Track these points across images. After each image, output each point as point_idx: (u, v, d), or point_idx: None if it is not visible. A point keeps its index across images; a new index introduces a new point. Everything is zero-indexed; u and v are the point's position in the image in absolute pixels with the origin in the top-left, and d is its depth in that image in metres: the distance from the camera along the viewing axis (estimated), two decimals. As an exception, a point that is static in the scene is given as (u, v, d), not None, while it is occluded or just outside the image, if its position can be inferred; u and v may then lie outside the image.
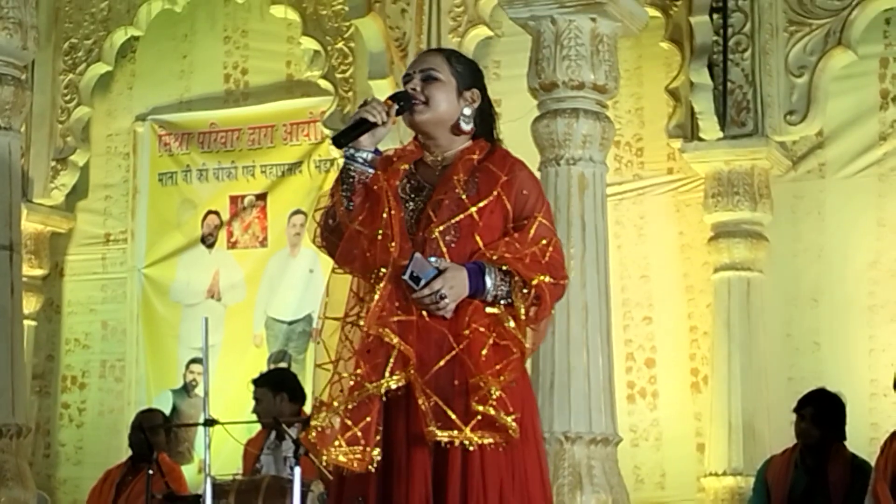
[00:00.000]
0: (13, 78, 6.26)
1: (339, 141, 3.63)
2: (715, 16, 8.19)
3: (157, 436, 7.57)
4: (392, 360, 3.51)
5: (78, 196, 10.14)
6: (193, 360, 9.57)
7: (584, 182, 6.25)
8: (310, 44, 9.31)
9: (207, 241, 9.82)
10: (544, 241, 3.61)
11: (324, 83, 9.26)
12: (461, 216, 3.60)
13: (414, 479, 3.52)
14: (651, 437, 8.55)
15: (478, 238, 3.59)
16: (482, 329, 3.54)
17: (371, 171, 3.61)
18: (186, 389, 9.68)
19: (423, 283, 3.48)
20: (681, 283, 8.65)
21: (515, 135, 8.61)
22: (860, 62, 8.16)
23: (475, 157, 3.67)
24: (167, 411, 9.06)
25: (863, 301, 8.21)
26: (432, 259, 3.52)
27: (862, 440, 7.40)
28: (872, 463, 6.67)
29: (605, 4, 6.19)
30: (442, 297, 3.48)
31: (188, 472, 8.50)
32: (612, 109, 6.89)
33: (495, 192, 3.62)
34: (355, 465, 3.51)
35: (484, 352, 3.52)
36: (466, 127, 3.70)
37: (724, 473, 7.92)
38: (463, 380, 3.51)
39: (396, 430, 3.56)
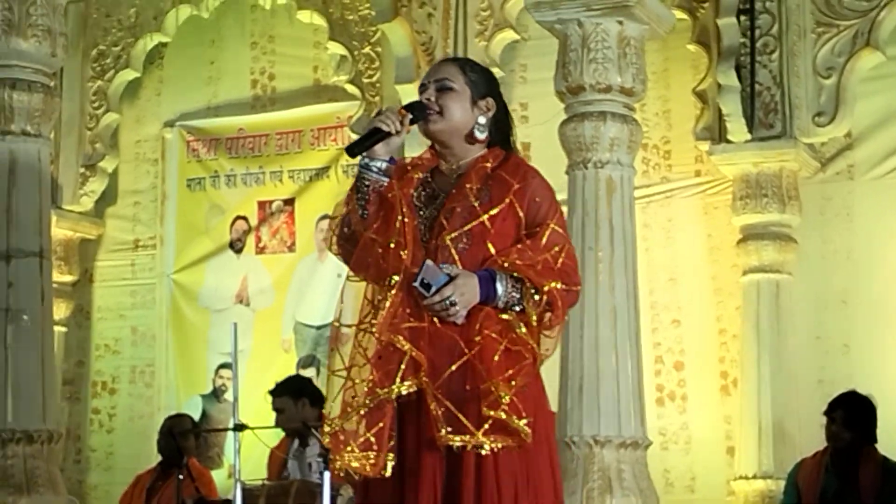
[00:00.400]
0: (42, 85, 6.29)
1: (352, 150, 3.67)
2: (742, 17, 8.18)
3: (187, 441, 7.59)
4: (403, 367, 3.54)
5: (107, 202, 10.19)
6: (222, 366, 9.60)
7: (612, 185, 6.24)
8: (336, 49, 9.33)
9: (236, 246, 9.85)
10: (557, 248, 3.63)
11: (351, 88, 9.28)
12: (473, 224, 3.62)
13: (423, 484, 3.54)
14: (681, 440, 8.53)
15: (490, 245, 3.61)
16: (494, 335, 3.55)
17: (386, 179, 3.63)
18: (216, 394, 9.71)
19: (433, 290, 3.51)
20: (709, 285, 8.63)
21: (543, 138, 8.72)
22: (888, 63, 8.13)
23: (488, 165, 3.70)
24: (196, 416, 9.09)
25: (893, 302, 8.17)
26: (444, 266, 3.55)
27: (894, 443, 7.35)
28: (904, 465, 6.65)
29: (631, 7, 6.18)
30: (452, 304, 3.51)
31: (218, 476, 8.52)
32: (639, 112, 6.87)
33: (507, 200, 3.64)
34: (368, 469, 3.54)
35: (496, 357, 3.53)
36: (481, 136, 3.72)
37: (755, 477, 7.90)
38: (475, 385, 3.53)
39: (408, 435, 3.59)
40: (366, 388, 3.56)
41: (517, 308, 3.58)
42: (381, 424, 3.55)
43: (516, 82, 9.27)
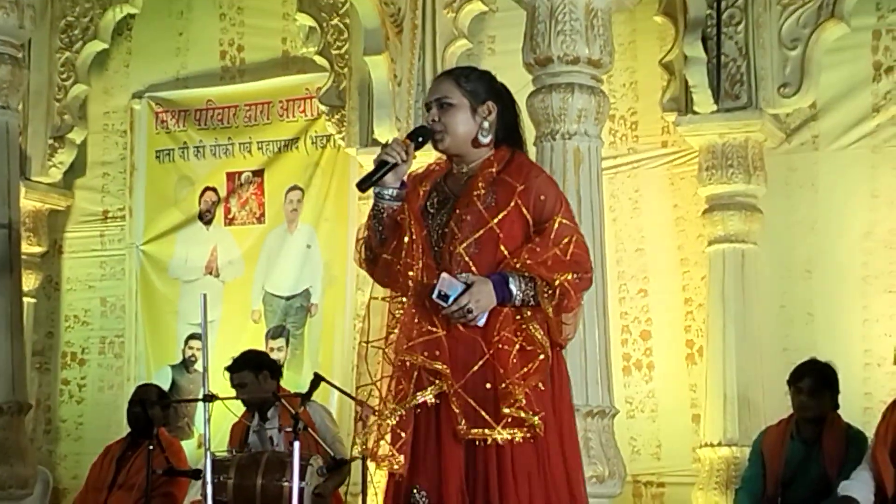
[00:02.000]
0: (10, 57, 6.29)
1: (361, 186, 3.95)
2: (709, -11, 8.21)
3: (156, 411, 7.62)
4: (415, 379, 3.84)
5: (76, 174, 10.18)
6: (192, 336, 9.62)
7: (580, 156, 6.27)
8: (305, 20, 9.33)
9: (205, 217, 9.86)
10: (566, 240, 3.88)
11: (319, 59, 9.28)
12: (482, 231, 3.86)
13: (449, 475, 3.83)
14: (647, 408, 8.61)
15: (502, 247, 3.85)
16: (510, 335, 3.82)
17: (398, 204, 3.93)
18: (185, 365, 9.73)
19: (451, 300, 3.75)
20: (675, 255, 8.69)
21: (510, 110, 8.73)
22: (853, 34, 8.18)
23: (494, 169, 3.94)
24: (166, 387, 9.11)
25: (856, 272, 8.25)
26: (460, 276, 3.78)
27: (856, 410, 7.45)
28: (867, 433, 6.72)
29: (598, -21, 6.22)
30: (469, 311, 3.76)
31: (188, 447, 8.56)
32: (606, 84, 6.90)
33: (513, 203, 3.87)
34: (395, 467, 3.87)
35: (512, 359, 3.81)
36: (485, 139, 3.97)
37: (720, 444, 7.98)
38: (494, 384, 3.81)
39: (429, 432, 3.87)
40: (387, 401, 3.87)
41: (532, 303, 3.83)
42: (406, 431, 3.86)
43: (484, 54, 9.30)
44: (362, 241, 4.00)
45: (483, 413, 3.79)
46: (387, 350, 3.90)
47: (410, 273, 3.86)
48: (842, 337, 8.14)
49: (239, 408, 7.27)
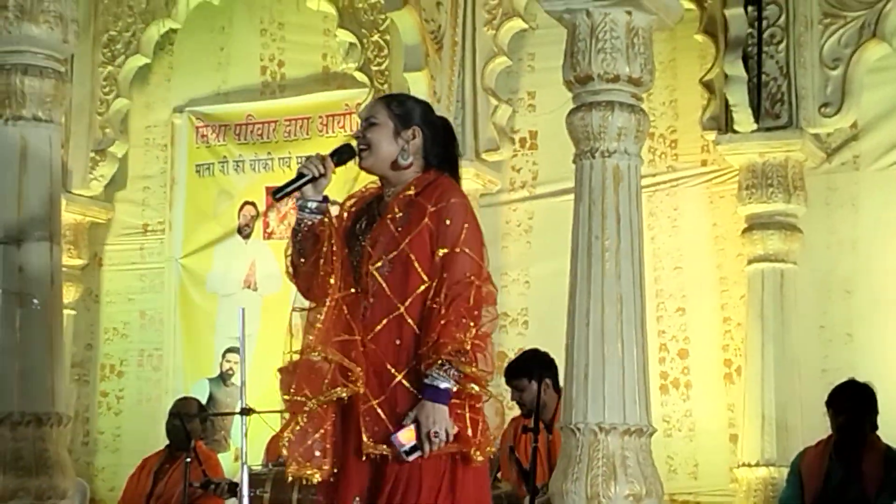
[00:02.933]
0: (54, 71, 6.31)
1: (276, 194, 4.05)
2: (749, 8, 8.20)
3: (194, 424, 7.65)
4: (329, 376, 3.89)
5: (116, 187, 10.25)
6: (230, 350, 9.66)
7: (619, 174, 6.24)
8: (346, 36, 9.37)
9: (244, 231, 9.90)
10: (469, 276, 3.90)
11: (359, 75, 9.32)
12: (394, 252, 3.92)
13: (348, 488, 3.90)
14: (684, 427, 8.59)
15: (417, 266, 3.90)
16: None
17: (318, 216, 4.00)
18: (223, 378, 9.76)
19: (415, 447, 3.81)
20: (714, 274, 8.68)
21: (550, 127, 8.77)
22: (895, 54, 8.15)
23: (411, 192, 4.01)
24: (204, 400, 9.14)
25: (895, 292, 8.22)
26: (405, 421, 3.84)
27: (894, 432, 7.40)
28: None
29: (640, -3, 6.21)
30: (436, 435, 3.82)
31: (224, 460, 8.59)
32: (646, 102, 6.89)
33: (424, 222, 3.93)
34: (313, 475, 3.92)
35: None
36: (404, 162, 4.05)
37: (757, 464, 7.95)
38: (404, 409, 3.89)
39: (347, 441, 3.93)
40: (296, 401, 3.94)
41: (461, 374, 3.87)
42: (320, 431, 3.91)
43: (524, 71, 9.32)
44: (289, 254, 4.08)
45: (389, 427, 3.85)
46: (301, 355, 3.97)
47: (332, 280, 3.92)
48: (881, 357, 8.10)
49: (277, 422, 7.27)
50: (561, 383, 6.52)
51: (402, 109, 4.10)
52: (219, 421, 9.30)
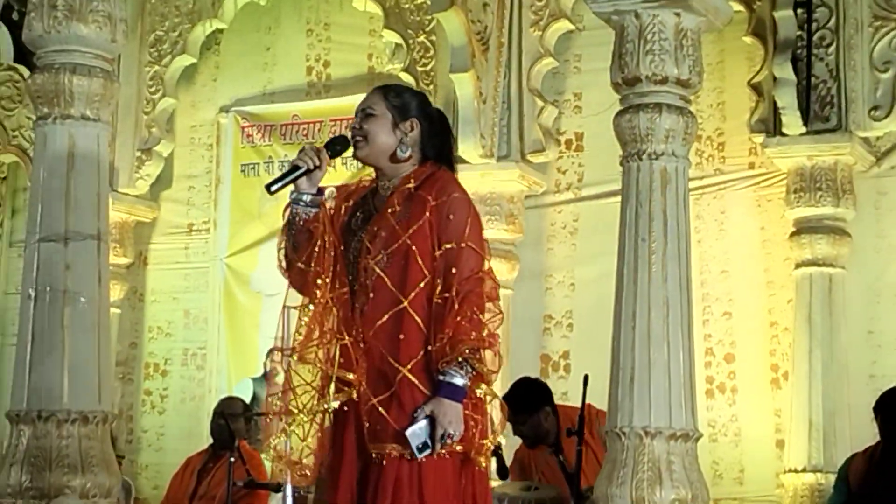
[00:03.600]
0: (102, 70, 6.32)
1: (270, 187, 3.98)
2: (799, 10, 8.15)
3: (239, 423, 7.65)
4: (321, 387, 3.89)
5: (162, 186, 10.28)
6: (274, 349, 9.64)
7: (667, 177, 6.21)
8: (392, 37, 9.37)
9: (289, 231, 9.90)
10: (476, 271, 3.87)
11: (405, 76, 9.31)
12: (395, 245, 3.87)
13: (341, 487, 3.88)
14: (730, 432, 8.53)
15: (419, 260, 3.85)
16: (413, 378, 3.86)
17: (314, 210, 3.95)
18: (266, 378, 9.75)
19: (428, 443, 3.78)
20: (761, 278, 8.61)
21: (596, 128, 8.73)
22: (947, 57, 8.08)
23: (411, 185, 3.95)
24: (247, 399, 9.14)
25: (946, 298, 8.14)
26: (416, 415, 3.80)
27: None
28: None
29: (689, -1, 6.17)
30: (451, 436, 3.79)
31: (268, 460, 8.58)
32: (693, 104, 6.86)
33: (426, 216, 3.88)
34: (302, 478, 3.93)
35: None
36: (403, 155, 3.99)
37: (804, 470, 7.89)
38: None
39: (336, 443, 3.91)
40: (295, 406, 3.92)
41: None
42: (311, 438, 3.90)
43: (570, 72, 9.28)
44: (281, 248, 4.04)
45: (395, 425, 3.82)
46: (294, 358, 3.93)
47: (319, 281, 3.88)
48: (931, 364, 8.02)
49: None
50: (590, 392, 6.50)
51: (400, 101, 4.05)
52: (262, 421, 9.29)
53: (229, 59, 10.25)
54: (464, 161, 8.95)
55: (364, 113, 4.03)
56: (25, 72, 9.40)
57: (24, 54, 9.30)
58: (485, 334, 3.85)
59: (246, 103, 10.14)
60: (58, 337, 6.09)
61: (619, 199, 6.38)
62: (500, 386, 8.65)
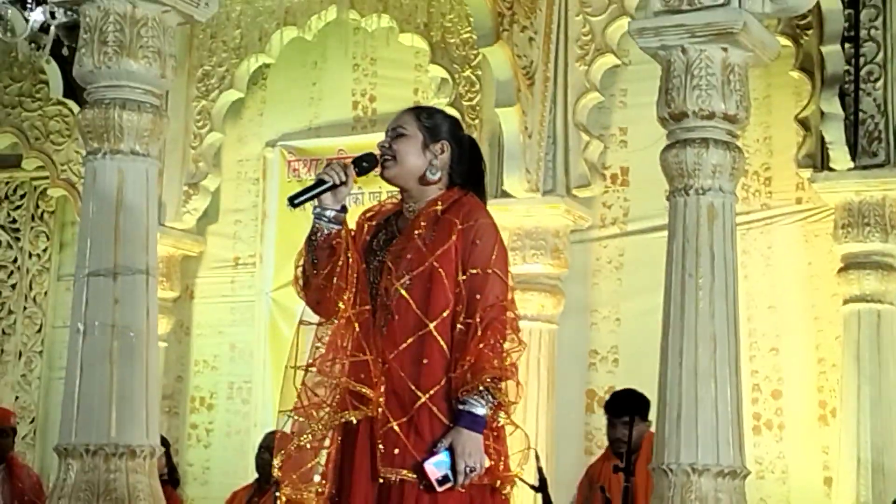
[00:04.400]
0: (151, 105, 6.36)
1: (293, 200, 3.85)
2: (846, 45, 8.13)
3: (284, 458, 7.64)
4: (337, 403, 3.79)
5: (209, 220, 10.33)
6: (319, 384, 9.65)
7: (714, 212, 6.18)
8: (437, 71, 9.40)
9: (334, 265, 9.92)
10: (501, 299, 3.81)
11: (450, 111, 9.31)
12: (421, 268, 3.81)
13: None
14: (777, 469, 8.46)
15: (446, 282, 3.79)
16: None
17: (336, 227, 3.84)
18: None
19: (450, 475, 3.70)
20: (809, 314, 8.56)
21: (642, 163, 8.72)
22: None
23: (438, 208, 3.89)
24: (293, 433, 9.15)
25: None
26: (438, 447, 3.73)
27: None
28: None
29: (736, 34, 6.14)
30: (474, 469, 3.71)
31: (313, 494, 8.57)
32: (740, 139, 6.84)
33: (452, 239, 3.82)
34: (305, 497, 3.83)
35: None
36: (432, 177, 3.92)
37: (852, 508, 7.82)
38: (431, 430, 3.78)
39: (353, 463, 3.80)
40: (300, 423, 3.83)
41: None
42: (322, 456, 3.82)
43: (616, 107, 9.28)
44: (300, 265, 3.94)
45: (413, 452, 3.74)
46: (309, 373, 3.84)
47: (343, 297, 3.79)
48: (981, 401, 7.94)
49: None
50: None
51: (432, 122, 3.98)
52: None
53: (276, 93, 10.31)
54: (509, 195, 8.97)
55: (395, 132, 3.97)
56: (75, 107, 9.50)
57: (73, 89, 9.41)
58: (507, 364, 3.78)
59: (292, 138, 10.19)
60: (106, 371, 6.11)
61: (664, 233, 6.36)
62: (538, 421, 8.66)
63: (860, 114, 8.08)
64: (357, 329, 3.79)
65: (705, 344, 6.03)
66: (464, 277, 3.81)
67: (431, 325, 3.78)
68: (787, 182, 8.71)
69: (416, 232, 3.86)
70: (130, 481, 6.06)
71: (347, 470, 3.82)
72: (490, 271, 3.81)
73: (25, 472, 8.29)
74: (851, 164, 8.09)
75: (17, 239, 10.87)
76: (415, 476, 3.73)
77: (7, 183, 10.95)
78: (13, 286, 10.83)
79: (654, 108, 6.36)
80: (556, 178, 9.05)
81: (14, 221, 10.91)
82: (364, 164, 3.92)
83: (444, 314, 3.79)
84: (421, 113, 4.02)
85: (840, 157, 8.08)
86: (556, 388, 8.87)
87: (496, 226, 3.92)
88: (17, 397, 10.53)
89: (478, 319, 3.76)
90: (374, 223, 4.01)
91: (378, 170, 3.95)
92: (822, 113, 8.13)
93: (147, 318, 6.28)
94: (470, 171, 3.99)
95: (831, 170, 8.17)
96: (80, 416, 6.11)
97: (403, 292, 3.81)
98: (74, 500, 6.04)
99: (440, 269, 3.80)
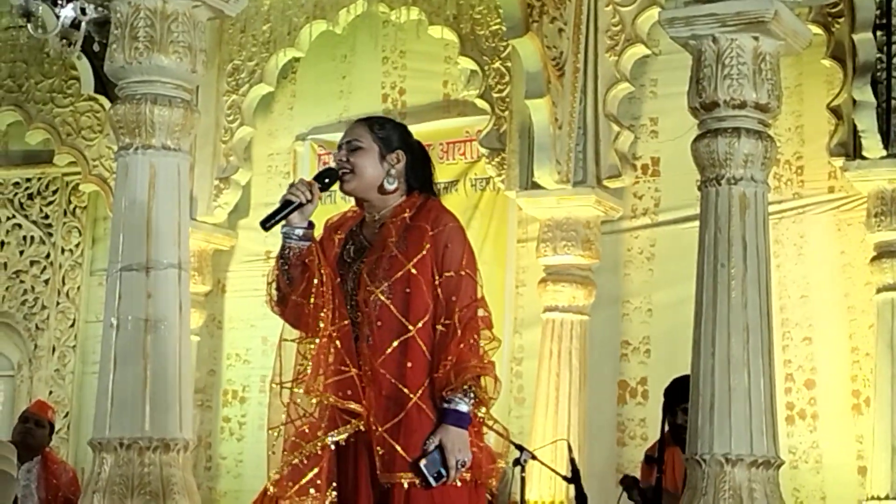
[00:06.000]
0: (182, 100, 6.38)
1: (265, 224, 4.02)
2: (878, 33, 8.08)
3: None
4: (326, 420, 3.89)
5: (240, 214, 10.34)
6: (350, 375, 9.67)
7: (746, 202, 6.16)
8: (467, 63, 9.39)
9: (365, 258, 9.93)
10: (474, 299, 3.94)
11: (480, 102, 9.32)
12: (399, 273, 3.91)
13: None
14: (811, 459, 8.43)
15: (424, 287, 3.90)
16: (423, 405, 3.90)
17: (306, 243, 3.98)
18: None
19: (442, 471, 3.82)
20: (842, 303, 8.52)
21: (673, 153, 8.70)
22: None
23: (406, 215, 3.99)
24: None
25: None
26: (426, 446, 3.84)
27: None
28: None
29: (768, 23, 6.11)
30: (464, 464, 3.84)
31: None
32: (772, 127, 6.81)
33: (427, 246, 3.92)
34: None
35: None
36: (390, 187, 4.03)
37: (887, 497, 7.79)
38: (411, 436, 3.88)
39: (348, 474, 3.92)
40: (293, 441, 3.91)
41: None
42: (316, 469, 3.89)
43: (646, 97, 9.25)
44: (273, 283, 4.04)
45: (407, 454, 3.85)
46: (296, 390, 3.93)
47: (321, 314, 3.89)
48: None
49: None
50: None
51: (385, 132, 4.08)
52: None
53: (306, 87, 10.32)
54: (540, 187, 8.96)
55: (350, 146, 4.06)
56: (106, 102, 9.53)
57: (104, 85, 9.44)
58: (486, 361, 3.91)
59: (322, 131, 10.20)
60: (139, 365, 6.14)
61: (695, 223, 6.34)
62: (570, 412, 8.65)
63: (892, 102, 8.02)
64: (339, 345, 3.90)
65: (738, 334, 6.02)
66: (439, 280, 3.93)
67: (414, 330, 3.90)
68: (819, 171, 8.66)
69: (390, 240, 3.96)
70: (164, 474, 6.09)
71: (348, 479, 3.93)
72: (463, 273, 3.94)
73: (62, 467, 8.32)
74: (884, 153, 8.04)
75: (50, 234, 10.92)
76: (410, 475, 3.85)
77: (39, 179, 10.99)
78: (46, 281, 10.88)
79: (685, 97, 6.34)
80: (586, 169, 9.04)
81: (46, 217, 10.96)
82: (326, 179, 4.05)
83: (426, 318, 3.91)
84: (373, 124, 4.12)
85: (872, 145, 8.04)
86: (587, 380, 8.86)
87: (462, 227, 4.06)
88: (50, 392, 10.57)
89: (456, 320, 3.90)
90: (341, 236, 4.10)
91: (338, 184, 4.07)
92: (854, 101, 8.08)
93: (179, 313, 6.31)
94: (425, 177, 4.12)
95: (864, 158, 8.12)
96: (114, 410, 6.14)
97: (384, 299, 3.92)
98: (109, 493, 6.07)
99: (418, 276, 3.91)
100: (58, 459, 8.52)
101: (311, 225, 4.02)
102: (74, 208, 10.90)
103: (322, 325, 3.89)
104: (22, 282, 10.93)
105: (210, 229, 10.16)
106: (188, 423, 6.35)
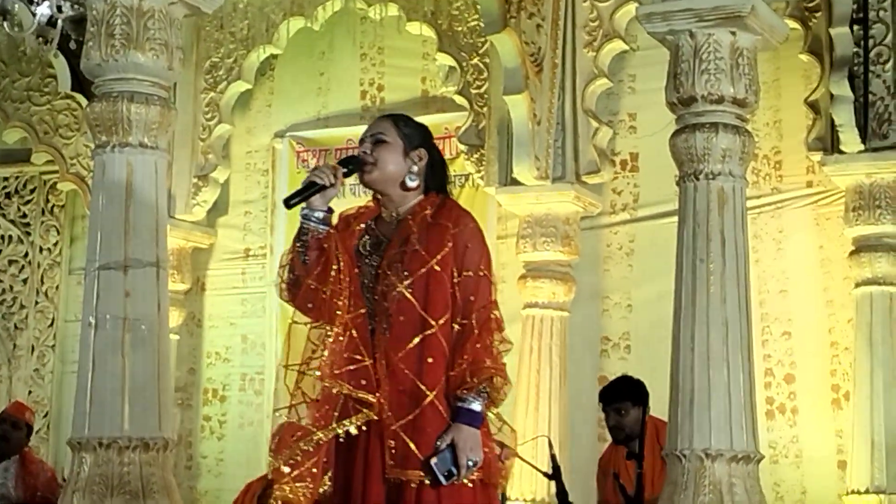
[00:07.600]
0: (159, 98, 6.35)
1: (288, 202, 4.01)
2: (855, 27, 8.09)
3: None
4: (339, 409, 3.89)
5: (218, 212, 10.32)
6: (331, 373, 9.66)
7: (724, 197, 6.16)
8: (445, 60, 9.38)
9: (344, 255, 9.91)
10: (491, 300, 3.98)
11: (459, 99, 9.32)
12: (422, 270, 3.93)
13: None
14: (791, 453, 8.45)
15: (447, 284, 3.92)
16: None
17: (324, 228, 3.96)
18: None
19: (453, 469, 3.84)
20: (821, 297, 8.54)
21: (651, 148, 8.71)
22: None
23: (428, 212, 4.01)
24: (306, 424, 9.15)
25: None
26: (437, 445, 3.85)
27: None
28: None
29: (745, 18, 6.11)
30: (475, 463, 3.86)
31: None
32: (750, 122, 6.82)
33: (449, 243, 3.95)
34: (301, 499, 3.90)
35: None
36: (412, 184, 4.05)
37: (867, 491, 7.80)
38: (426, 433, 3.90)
39: (357, 464, 3.91)
40: (303, 428, 3.89)
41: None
42: (315, 458, 3.90)
43: (625, 92, 9.26)
44: (286, 265, 4.01)
45: (420, 451, 3.86)
46: (309, 374, 3.91)
47: (338, 302, 3.89)
48: None
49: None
50: (652, 410, 6.50)
51: (410, 130, 4.11)
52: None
53: (284, 84, 10.30)
54: (519, 183, 8.95)
55: (374, 139, 4.08)
56: (83, 100, 9.50)
57: (81, 83, 9.41)
58: (499, 363, 3.95)
59: (301, 128, 10.18)
60: (118, 364, 6.11)
61: (674, 219, 6.34)
62: (551, 409, 8.65)
63: (870, 96, 8.04)
64: (354, 333, 3.90)
65: (717, 329, 6.02)
66: (458, 279, 3.95)
67: (436, 326, 3.91)
68: (797, 165, 8.68)
69: (412, 235, 3.97)
70: (144, 474, 6.06)
71: (353, 471, 3.93)
72: (482, 273, 3.98)
73: (40, 467, 8.29)
74: (862, 147, 8.06)
75: (28, 233, 10.88)
76: (420, 473, 3.85)
77: (17, 178, 10.95)
78: (24, 281, 10.84)
79: (663, 93, 6.34)
80: (565, 164, 9.04)
81: (24, 216, 10.92)
82: (350, 165, 4.05)
83: (446, 315, 3.92)
84: (398, 121, 4.13)
85: (850, 139, 8.05)
86: (568, 376, 8.86)
87: (481, 229, 4.08)
88: (30, 391, 10.54)
89: (473, 320, 3.93)
90: (359, 227, 4.10)
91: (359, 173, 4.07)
92: (832, 96, 8.10)
93: (158, 311, 6.28)
94: (443, 179, 4.14)
95: (841, 152, 8.13)
96: (93, 409, 6.11)
97: (407, 294, 3.92)
98: (88, 493, 6.04)
99: (441, 272, 3.93)
100: (36, 459, 8.49)
101: (330, 210, 4.00)
102: (52, 207, 10.86)
103: (340, 312, 3.89)
104: (0, 281, 10.89)
105: (189, 227, 10.13)
106: (168, 422, 6.32)
